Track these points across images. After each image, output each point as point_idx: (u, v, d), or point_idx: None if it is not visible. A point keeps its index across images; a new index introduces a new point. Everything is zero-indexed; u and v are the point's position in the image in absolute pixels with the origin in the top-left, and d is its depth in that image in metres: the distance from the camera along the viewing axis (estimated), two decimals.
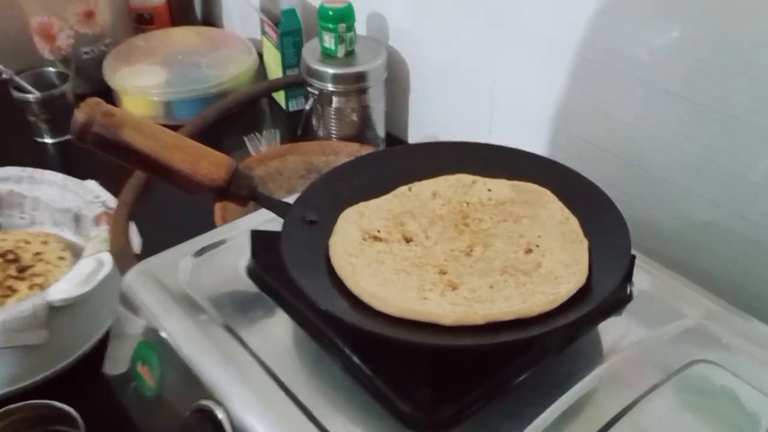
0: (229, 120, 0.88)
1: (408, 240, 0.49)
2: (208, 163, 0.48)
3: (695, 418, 0.43)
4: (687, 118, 0.58)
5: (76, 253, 0.70)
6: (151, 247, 0.58)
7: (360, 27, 0.86)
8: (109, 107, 0.48)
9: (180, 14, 1.14)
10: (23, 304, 0.57)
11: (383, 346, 0.43)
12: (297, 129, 0.91)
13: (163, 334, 0.49)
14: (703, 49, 0.55)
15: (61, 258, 0.69)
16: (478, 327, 0.42)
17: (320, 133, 0.88)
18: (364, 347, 0.44)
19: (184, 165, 0.48)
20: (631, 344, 0.47)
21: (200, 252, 0.54)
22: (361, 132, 0.87)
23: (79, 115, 0.47)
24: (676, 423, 0.42)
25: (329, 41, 0.82)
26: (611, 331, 0.48)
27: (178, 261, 0.53)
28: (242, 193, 0.49)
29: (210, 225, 0.65)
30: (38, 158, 0.75)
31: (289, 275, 0.45)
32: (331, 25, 0.81)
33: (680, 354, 0.45)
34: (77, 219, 0.70)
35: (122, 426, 0.53)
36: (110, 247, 0.61)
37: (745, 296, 0.58)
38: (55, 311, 0.58)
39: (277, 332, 0.48)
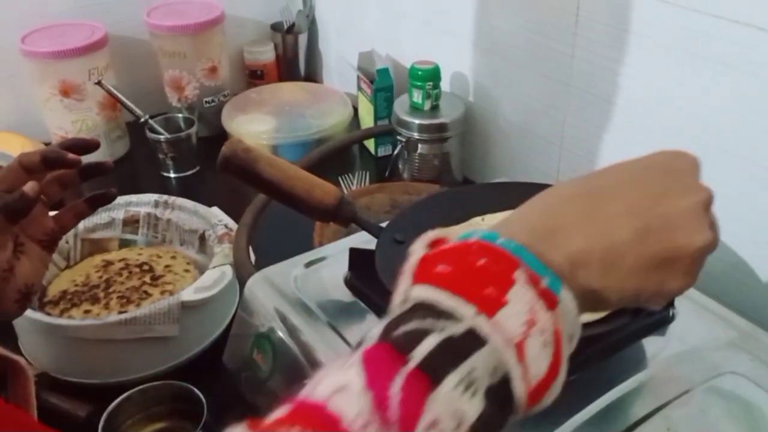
0: (326, 162, 1.00)
1: None
2: (320, 191, 0.60)
3: (720, 420, 0.50)
4: (729, 169, 0.66)
5: (198, 268, 0.83)
6: (262, 262, 0.70)
7: (444, 84, 0.98)
8: (248, 145, 0.61)
9: (287, 71, 1.29)
10: (161, 302, 0.70)
11: None
12: (383, 172, 1.02)
13: (278, 329, 0.60)
14: (745, 105, 0.63)
15: (187, 270, 0.83)
16: None
17: (405, 175, 0.99)
18: None
19: (302, 192, 0.60)
20: (669, 357, 0.54)
21: (308, 264, 0.65)
22: (440, 175, 0.97)
23: (225, 150, 0.60)
24: (702, 424, 0.49)
25: (418, 96, 0.94)
26: (654, 346, 0.55)
27: (291, 271, 0.64)
28: (346, 216, 0.61)
29: (308, 245, 0.77)
30: (164, 190, 0.88)
31: (381, 283, 0.55)
32: (420, 83, 0.94)
33: (711, 366, 0.52)
34: (202, 239, 0.83)
35: (236, 405, 0.64)
36: (232, 260, 0.74)
37: None
38: (186, 310, 0.70)
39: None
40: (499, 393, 0.29)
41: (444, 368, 0.28)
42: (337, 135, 1.08)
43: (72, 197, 0.64)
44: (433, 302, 0.30)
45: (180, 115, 1.11)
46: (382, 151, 1.09)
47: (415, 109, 0.95)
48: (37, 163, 0.57)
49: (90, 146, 0.60)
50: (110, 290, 0.79)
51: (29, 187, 0.54)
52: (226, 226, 0.80)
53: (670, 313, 0.57)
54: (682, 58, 0.67)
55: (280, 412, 0.28)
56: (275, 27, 1.28)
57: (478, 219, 0.64)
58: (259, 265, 0.69)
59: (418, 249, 0.33)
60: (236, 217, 0.82)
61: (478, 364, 0.29)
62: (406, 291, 0.32)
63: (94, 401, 0.66)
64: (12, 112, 1.11)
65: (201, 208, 0.84)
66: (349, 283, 0.62)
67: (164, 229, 0.87)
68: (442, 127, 0.94)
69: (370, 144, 1.11)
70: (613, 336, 0.53)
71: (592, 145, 0.81)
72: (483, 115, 0.97)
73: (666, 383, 0.52)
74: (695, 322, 0.57)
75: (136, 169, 1.13)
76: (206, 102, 1.16)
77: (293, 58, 1.29)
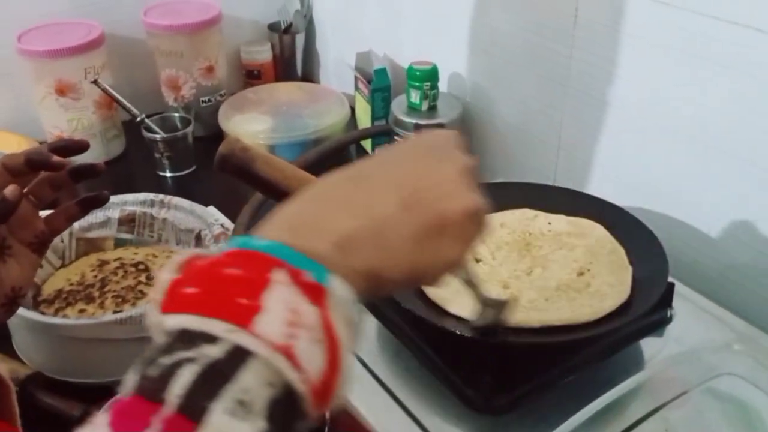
0: (323, 162, 1.00)
1: (477, 260, 0.59)
2: None
3: (717, 422, 0.50)
4: (727, 170, 0.66)
5: None
6: None
7: (442, 85, 0.97)
8: (245, 144, 0.61)
9: (284, 71, 1.28)
10: None
11: (453, 341, 0.52)
12: None
13: None
14: (743, 106, 0.63)
15: None
16: (533, 330, 0.51)
17: None
18: (437, 343, 0.53)
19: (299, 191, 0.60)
20: (667, 358, 0.54)
21: None
22: None
23: (223, 149, 0.59)
24: (699, 425, 0.49)
25: (415, 97, 0.94)
26: (652, 347, 0.55)
27: None
28: None
29: None
30: (160, 189, 0.87)
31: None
32: (417, 84, 0.93)
33: (709, 367, 0.52)
34: (198, 238, 0.83)
35: None
36: None
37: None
38: None
39: (366, 330, 0.58)
40: (283, 403, 0.27)
41: (205, 402, 0.25)
42: (334, 135, 1.08)
43: (67, 198, 0.63)
44: (183, 328, 0.28)
45: (176, 114, 1.11)
46: None
47: (412, 109, 0.95)
48: (21, 165, 0.55)
49: (79, 147, 0.58)
50: (105, 289, 0.79)
51: (10, 191, 0.53)
52: (222, 226, 0.80)
53: (668, 315, 0.57)
54: (680, 59, 0.67)
55: None
56: (272, 27, 1.28)
57: None
58: None
59: (165, 274, 0.30)
60: (233, 217, 0.81)
61: (247, 383, 0.26)
62: (157, 325, 0.29)
63: (89, 401, 0.65)
64: (8, 110, 1.10)
65: (197, 207, 0.83)
66: None
67: (160, 229, 0.86)
68: (439, 128, 0.94)
69: (367, 144, 1.11)
70: (611, 337, 0.53)
71: (590, 145, 0.81)
72: (480, 116, 0.97)
73: (664, 384, 0.51)
74: (693, 323, 0.57)
75: (132, 169, 1.13)
76: (203, 101, 1.16)
77: (290, 58, 1.28)
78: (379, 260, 0.33)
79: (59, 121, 1.06)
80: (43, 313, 0.73)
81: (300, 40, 1.27)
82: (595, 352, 0.53)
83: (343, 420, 0.51)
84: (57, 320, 0.70)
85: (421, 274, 0.35)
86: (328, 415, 0.51)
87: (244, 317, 0.27)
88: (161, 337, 0.28)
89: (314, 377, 0.28)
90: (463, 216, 0.35)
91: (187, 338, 0.27)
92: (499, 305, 0.46)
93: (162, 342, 0.28)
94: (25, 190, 0.56)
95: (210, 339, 0.27)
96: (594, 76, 0.77)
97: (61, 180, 0.58)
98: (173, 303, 0.29)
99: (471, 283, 0.44)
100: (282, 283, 0.28)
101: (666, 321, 0.57)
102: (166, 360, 0.27)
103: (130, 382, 0.27)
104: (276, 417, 0.27)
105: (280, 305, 0.28)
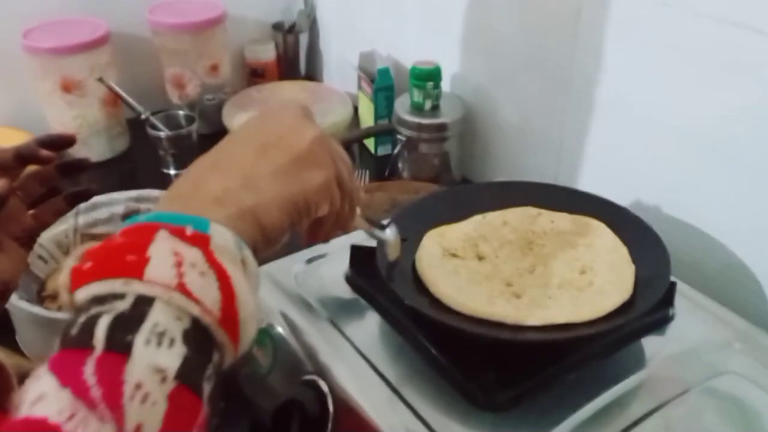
0: None
1: (480, 258, 0.59)
2: None
3: (718, 420, 0.50)
4: (729, 170, 0.66)
5: None
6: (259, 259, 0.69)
7: (445, 84, 0.98)
8: None
9: (287, 70, 1.29)
10: None
11: (456, 338, 0.52)
12: (383, 171, 1.02)
13: (278, 324, 0.60)
14: (746, 108, 0.63)
15: None
16: (536, 327, 0.51)
17: (405, 174, 1.00)
18: (439, 340, 0.54)
19: None
20: (669, 356, 0.54)
21: (309, 261, 0.65)
22: (439, 175, 0.98)
23: None
24: (700, 423, 0.49)
25: (418, 96, 0.95)
26: (653, 346, 0.56)
27: (292, 267, 0.64)
28: None
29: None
30: (164, 186, 0.87)
31: (381, 280, 0.56)
32: (420, 83, 0.94)
33: (710, 366, 0.52)
34: None
35: (235, 400, 0.64)
36: None
37: None
38: None
39: (369, 327, 0.58)
40: (195, 332, 0.31)
41: (126, 337, 0.30)
42: (337, 134, 1.08)
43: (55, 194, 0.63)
44: (91, 296, 0.32)
45: (181, 112, 1.11)
46: (382, 151, 1.09)
47: (415, 108, 0.96)
48: (10, 160, 0.55)
49: (66, 141, 0.59)
50: None
51: None
52: None
53: (670, 314, 0.58)
54: (682, 60, 0.67)
55: None
56: (276, 26, 1.28)
57: (479, 217, 0.64)
58: (259, 262, 0.69)
59: (67, 264, 0.34)
60: None
61: (158, 319, 0.31)
62: (69, 304, 0.33)
63: None
64: (13, 107, 1.11)
65: None
66: (349, 279, 0.63)
67: None
68: (442, 127, 0.95)
69: (370, 143, 1.11)
70: (613, 335, 0.54)
71: (592, 145, 0.81)
72: (483, 116, 0.97)
73: (665, 383, 0.52)
74: (694, 322, 0.58)
75: (137, 166, 1.13)
76: (207, 99, 1.16)
77: (294, 57, 1.29)
78: (252, 202, 0.38)
79: (64, 118, 1.07)
80: (47, 309, 0.74)
81: (303, 39, 1.28)
82: (596, 349, 0.53)
83: (347, 417, 0.52)
84: (61, 315, 0.71)
85: (296, 204, 0.40)
86: (331, 410, 0.52)
87: (135, 270, 0.32)
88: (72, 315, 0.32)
89: (212, 305, 0.32)
90: (311, 143, 0.41)
91: (97, 301, 0.31)
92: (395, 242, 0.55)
93: (72, 315, 0.32)
94: (12, 186, 0.56)
95: (115, 297, 0.31)
96: (596, 77, 0.77)
97: (48, 175, 0.59)
98: (77, 281, 0.33)
99: (370, 233, 0.53)
100: (164, 239, 0.33)
101: (667, 320, 0.57)
102: (82, 318, 0.31)
103: (55, 346, 0.31)
104: (193, 345, 0.31)
105: (165, 253, 0.32)
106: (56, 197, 0.61)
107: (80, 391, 0.28)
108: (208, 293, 0.32)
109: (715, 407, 0.51)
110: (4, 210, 0.54)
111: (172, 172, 1.08)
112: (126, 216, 0.86)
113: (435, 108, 0.96)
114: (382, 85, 1.04)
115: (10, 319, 0.72)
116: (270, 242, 0.39)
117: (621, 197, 0.65)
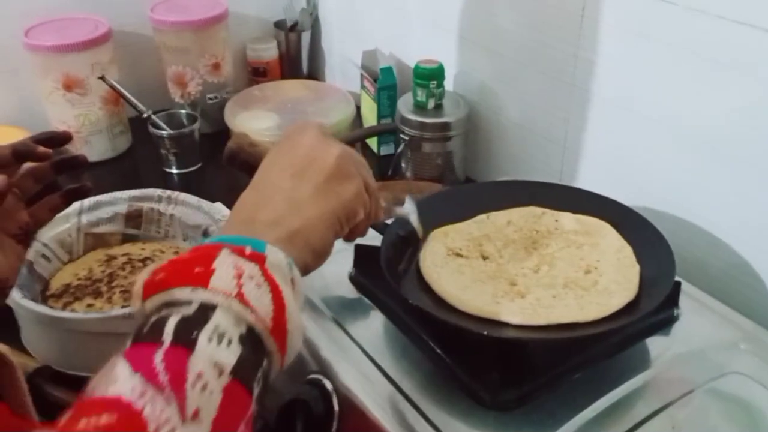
0: None
1: (485, 257, 0.59)
2: None
3: (724, 420, 0.50)
4: (734, 170, 0.66)
5: None
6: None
7: (448, 83, 0.98)
8: (254, 139, 0.61)
9: (289, 69, 1.29)
10: None
11: (460, 337, 0.52)
12: (386, 171, 1.02)
13: None
14: (750, 107, 0.63)
15: None
16: (540, 327, 0.51)
17: (408, 174, 0.99)
18: (443, 339, 0.53)
19: None
20: (674, 357, 0.54)
21: None
22: (443, 174, 0.98)
23: (232, 144, 0.59)
24: (706, 423, 0.49)
25: (421, 95, 0.95)
26: (658, 346, 0.56)
27: None
28: None
29: None
30: (166, 185, 0.87)
31: (385, 280, 0.56)
32: (424, 82, 0.94)
33: (715, 366, 0.52)
34: (205, 234, 0.83)
35: None
36: None
37: None
38: None
39: (373, 326, 0.58)
40: (250, 337, 0.35)
41: (191, 334, 0.34)
42: (339, 133, 1.08)
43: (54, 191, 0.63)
44: (162, 303, 0.36)
45: (183, 111, 1.11)
46: (385, 150, 1.09)
47: (418, 107, 0.95)
48: (8, 157, 0.56)
49: (61, 139, 0.60)
50: (113, 284, 0.79)
51: None
52: None
53: (675, 314, 0.57)
54: (685, 59, 0.67)
55: (66, 414, 0.32)
56: (278, 25, 1.28)
57: (483, 216, 0.64)
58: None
59: (140, 278, 0.38)
60: None
61: (219, 321, 0.35)
62: (141, 311, 0.37)
63: None
64: (15, 106, 1.11)
65: (204, 203, 0.84)
66: (353, 279, 0.62)
67: (167, 225, 0.87)
68: (445, 126, 0.95)
69: (373, 143, 1.11)
70: (618, 335, 0.54)
71: (596, 144, 0.81)
72: (486, 114, 0.97)
73: (670, 383, 0.52)
74: (699, 322, 0.58)
75: (138, 165, 1.13)
76: (209, 98, 1.16)
77: (296, 56, 1.29)
78: (299, 224, 0.42)
79: (66, 116, 1.06)
80: (51, 308, 0.74)
81: (306, 38, 1.28)
82: (601, 349, 0.53)
83: (352, 415, 0.52)
84: (65, 314, 0.71)
85: (338, 217, 0.44)
86: (336, 409, 0.52)
87: (202, 280, 0.36)
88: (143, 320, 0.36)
89: (265, 314, 0.36)
90: (338, 159, 0.45)
91: (166, 306, 0.35)
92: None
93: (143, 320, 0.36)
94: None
95: (183, 303, 0.35)
96: (600, 76, 0.77)
97: (43, 172, 0.60)
98: (148, 290, 0.37)
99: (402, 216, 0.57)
100: (227, 255, 0.37)
101: (672, 320, 0.57)
102: (153, 319, 0.35)
103: (127, 343, 0.34)
104: (247, 348, 0.35)
105: (227, 266, 0.37)
106: (52, 194, 0.61)
107: (150, 376, 0.32)
108: (262, 303, 0.36)
109: (721, 407, 0.51)
110: (1, 207, 0.54)
111: (174, 171, 1.08)
112: (129, 216, 0.86)
113: (438, 107, 0.96)
114: (385, 84, 1.04)
115: (15, 318, 0.72)
116: (320, 257, 0.44)
117: (624, 196, 0.65)
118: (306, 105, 1.14)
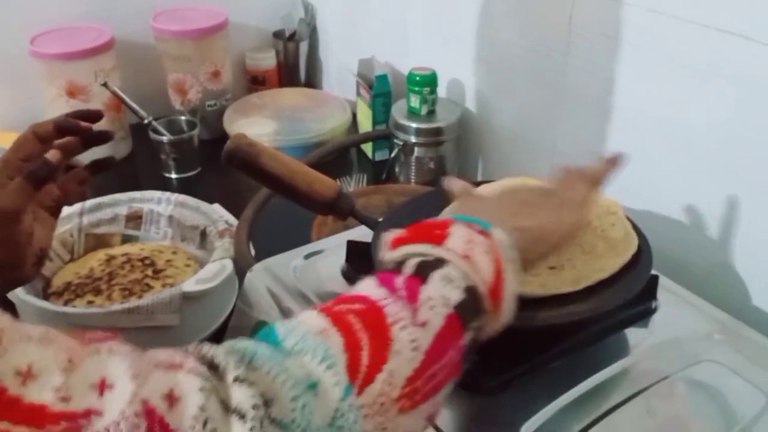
0: (324, 165, 1.03)
1: None
2: (320, 185, 0.63)
3: (698, 404, 0.52)
4: (716, 174, 0.69)
5: (199, 263, 0.85)
6: (261, 256, 0.72)
7: (441, 90, 1.00)
8: (252, 139, 0.63)
9: (287, 77, 1.32)
10: (163, 292, 0.72)
11: None
12: (380, 176, 1.05)
13: (277, 317, 0.62)
14: (732, 113, 0.66)
15: (188, 265, 0.85)
16: (523, 314, 0.53)
17: (401, 178, 1.02)
18: None
19: (303, 185, 0.62)
20: (651, 346, 0.57)
21: (307, 256, 0.67)
22: (436, 178, 1.00)
23: (230, 143, 0.62)
24: (680, 407, 0.52)
25: (415, 101, 0.97)
26: (636, 336, 0.58)
27: (291, 262, 0.66)
28: (344, 208, 0.63)
29: (306, 242, 0.79)
30: (165, 190, 0.89)
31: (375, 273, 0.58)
32: (417, 88, 0.97)
33: (691, 355, 0.55)
34: (203, 235, 0.85)
35: None
36: (233, 253, 0.76)
37: (751, 314, 0.67)
38: (186, 300, 0.72)
39: None
40: (471, 293, 0.42)
41: (428, 271, 0.42)
42: (335, 138, 1.11)
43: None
44: (405, 253, 0.44)
45: (183, 117, 1.14)
46: (379, 156, 1.11)
47: (412, 113, 0.98)
48: (51, 132, 0.61)
49: (95, 116, 0.65)
50: (113, 282, 0.81)
51: (52, 155, 0.58)
52: (226, 222, 0.82)
53: (652, 306, 0.60)
54: (670, 67, 0.70)
55: (331, 302, 0.41)
56: (277, 34, 1.31)
57: None
58: (259, 260, 0.71)
59: (387, 236, 0.47)
60: (237, 215, 0.84)
61: (449, 271, 0.42)
62: (386, 255, 0.46)
63: None
64: (20, 111, 1.13)
65: (203, 204, 0.86)
66: (346, 274, 0.65)
67: (166, 226, 0.89)
68: (438, 132, 0.97)
69: (367, 148, 1.13)
70: (598, 325, 0.56)
71: (583, 149, 0.83)
72: (478, 120, 1.00)
73: (646, 370, 0.54)
74: (677, 314, 0.60)
75: (139, 170, 1.15)
76: (208, 105, 1.19)
77: (294, 65, 1.32)
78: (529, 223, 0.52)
79: None
80: (53, 304, 0.76)
81: (303, 47, 1.31)
82: (582, 338, 0.55)
83: None
84: (67, 309, 0.73)
85: (556, 236, 0.54)
86: None
87: (439, 239, 0.44)
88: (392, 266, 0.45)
89: (487, 278, 0.43)
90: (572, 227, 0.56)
91: (408, 256, 0.44)
92: None
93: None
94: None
95: (422, 254, 0.44)
96: (589, 83, 0.80)
97: (74, 147, 0.64)
98: (396, 243, 0.46)
99: None
100: (460, 225, 0.45)
101: (650, 312, 0.59)
102: (398, 260, 0.44)
103: (374, 272, 0.44)
104: (469, 299, 0.42)
105: (461, 233, 0.44)
106: (78, 168, 0.65)
107: (392, 289, 0.41)
108: (485, 267, 0.43)
109: (695, 392, 0.53)
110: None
111: (173, 176, 1.11)
112: (129, 217, 0.88)
113: (431, 113, 0.98)
114: (380, 91, 1.06)
115: (18, 314, 0.74)
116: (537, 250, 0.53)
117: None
118: (303, 112, 1.17)
